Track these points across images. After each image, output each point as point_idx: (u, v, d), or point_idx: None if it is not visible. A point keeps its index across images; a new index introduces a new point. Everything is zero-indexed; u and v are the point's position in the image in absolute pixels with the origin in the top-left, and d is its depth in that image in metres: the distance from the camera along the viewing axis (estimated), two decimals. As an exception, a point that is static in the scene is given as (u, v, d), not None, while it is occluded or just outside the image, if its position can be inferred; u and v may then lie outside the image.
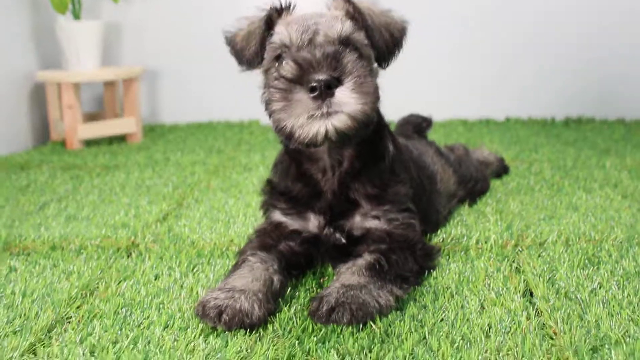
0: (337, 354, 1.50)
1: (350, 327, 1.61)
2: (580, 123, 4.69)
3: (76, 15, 4.31)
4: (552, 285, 1.83)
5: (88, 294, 1.90)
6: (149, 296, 1.86)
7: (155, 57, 4.98)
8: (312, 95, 1.64)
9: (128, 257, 2.20)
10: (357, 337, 1.57)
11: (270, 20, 1.91)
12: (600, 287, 1.82)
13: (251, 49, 1.91)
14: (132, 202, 2.84)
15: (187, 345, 1.56)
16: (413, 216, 2.02)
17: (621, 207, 2.59)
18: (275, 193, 2.05)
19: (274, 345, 1.55)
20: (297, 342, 1.57)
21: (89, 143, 4.32)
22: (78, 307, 1.81)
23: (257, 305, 1.67)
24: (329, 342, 1.56)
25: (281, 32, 1.84)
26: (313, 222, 1.98)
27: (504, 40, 4.79)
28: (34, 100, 4.47)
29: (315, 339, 1.57)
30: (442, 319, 1.67)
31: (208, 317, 1.63)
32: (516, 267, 2.01)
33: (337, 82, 1.65)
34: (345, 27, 1.83)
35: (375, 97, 1.76)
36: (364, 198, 1.96)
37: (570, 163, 3.38)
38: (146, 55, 4.96)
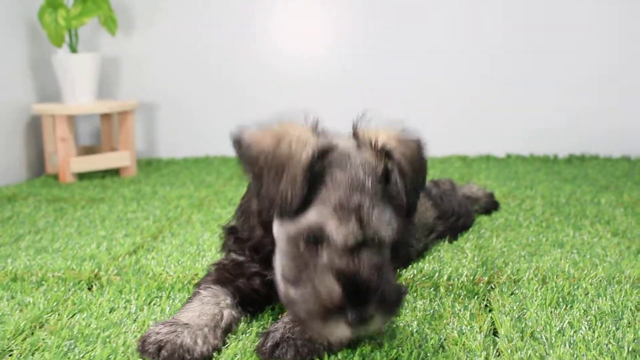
0: (275, 393, 1.42)
1: (295, 365, 1.52)
2: (584, 160, 4.59)
3: (73, 49, 4.33)
4: (519, 325, 1.74)
5: (37, 327, 1.83)
6: (99, 329, 1.79)
7: (153, 91, 4.98)
8: (349, 327, 1.45)
9: (89, 289, 2.14)
10: (300, 375, 1.49)
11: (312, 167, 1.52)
12: (570, 327, 1.71)
13: (286, 191, 1.50)
14: (108, 234, 2.79)
15: (122, 381, 1.49)
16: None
17: (609, 245, 2.49)
18: (236, 241, 1.92)
19: (212, 383, 1.47)
20: (237, 379, 1.49)
21: (83, 176, 4.30)
22: (23, 340, 1.74)
23: (200, 341, 1.60)
24: (269, 380, 1.48)
25: (322, 218, 1.50)
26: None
27: (506, 77, 4.73)
28: (30, 133, 4.48)
29: (256, 376, 1.49)
30: (395, 359, 1.58)
31: (147, 352, 1.56)
32: (485, 305, 1.92)
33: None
34: (392, 226, 1.56)
35: None
36: None
37: (563, 199, 3.28)
38: (144, 89, 4.97)
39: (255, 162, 1.54)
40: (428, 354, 1.59)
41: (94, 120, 5.02)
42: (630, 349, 1.58)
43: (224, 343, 1.68)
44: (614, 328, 1.70)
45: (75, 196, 3.64)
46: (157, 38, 4.91)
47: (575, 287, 2.00)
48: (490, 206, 3.05)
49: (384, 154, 1.61)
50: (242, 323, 1.80)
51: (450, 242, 2.53)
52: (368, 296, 1.45)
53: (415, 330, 1.74)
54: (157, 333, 1.59)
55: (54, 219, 3.11)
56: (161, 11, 4.87)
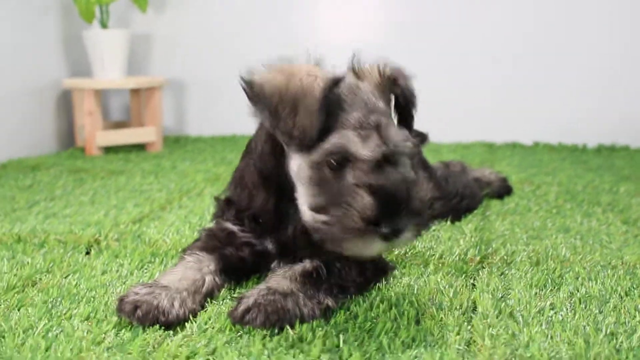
0: (239, 356, 1.44)
1: (265, 331, 1.54)
2: (613, 150, 4.47)
3: (103, 25, 4.41)
4: (500, 304, 1.71)
5: (30, 285, 1.89)
6: (86, 290, 1.84)
7: (184, 69, 5.04)
8: (382, 239, 1.48)
9: (87, 253, 2.19)
10: (267, 341, 1.50)
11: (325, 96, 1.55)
12: (550, 308, 1.69)
13: (306, 124, 1.53)
14: (119, 204, 2.85)
15: (96, 336, 1.53)
16: None
17: (616, 232, 2.43)
18: (230, 210, 1.94)
19: (180, 344, 1.49)
20: (206, 341, 1.51)
21: (109, 150, 4.39)
22: (13, 296, 1.80)
23: (177, 304, 1.63)
24: (236, 343, 1.50)
25: (346, 139, 1.54)
26: (269, 247, 1.89)
27: (536, 62, 4.63)
28: (62, 107, 4.58)
29: (224, 339, 1.51)
30: (368, 330, 1.58)
31: (123, 311, 1.60)
32: (472, 284, 1.89)
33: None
34: (407, 136, 1.61)
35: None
36: None
37: (580, 187, 3.21)
38: (175, 66, 5.03)
39: (270, 100, 1.57)
40: (401, 327, 1.58)
41: (125, 96, 5.11)
42: (607, 331, 1.55)
43: (203, 307, 1.71)
44: (597, 311, 1.67)
45: (96, 168, 3.72)
46: (189, 16, 4.96)
47: (567, 270, 1.97)
48: (503, 191, 3.01)
49: (391, 80, 1.71)
50: (225, 290, 1.82)
51: (452, 222, 2.51)
52: (400, 208, 1.49)
53: (394, 304, 1.73)
54: (136, 294, 1.63)
55: (71, 188, 3.19)
56: (193, -10, 4.92)
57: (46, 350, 1.46)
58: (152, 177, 3.48)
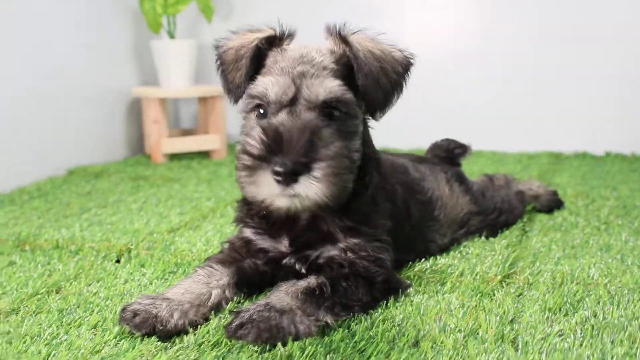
0: (223, 371, 1.45)
1: (257, 347, 1.55)
2: (693, 163, 4.20)
3: (171, 35, 4.56)
4: (506, 327, 1.65)
5: (54, 291, 1.98)
6: (103, 298, 1.90)
7: (250, 78, 5.11)
8: (275, 178, 1.54)
9: (117, 261, 2.27)
10: (258, 357, 1.51)
11: (258, 51, 1.78)
12: (559, 335, 1.61)
13: (235, 81, 1.79)
14: (164, 212, 2.93)
15: (96, 345, 1.58)
16: (384, 248, 1.90)
17: (663, 253, 2.29)
18: (250, 212, 1.99)
19: (172, 356, 1.52)
20: (197, 355, 1.53)
21: (174, 157, 4.52)
22: (35, 302, 1.88)
23: (177, 315, 1.66)
24: (225, 359, 1.51)
25: (263, 83, 1.70)
26: (284, 244, 1.92)
27: (608, 68, 4.42)
28: (132, 115, 4.76)
29: (215, 353, 1.53)
30: (360, 351, 1.56)
31: (124, 319, 1.65)
32: (485, 305, 1.83)
33: (303, 168, 1.54)
34: (332, 87, 1.68)
35: (348, 176, 1.66)
36: (339, 231, 1.85)
37: (639, 202, 3.03)
38: (241, 75, 5.11)
39: (223, 61, 1.82)
40: (395, 348, 1.55)
41: (194, 105, 5.25)
42: (611, 363, 1.46)
43: (207, 320, 1.73)
44: (608, 340, 1.57)
45: (155, 175, 3.85)
46: (255, 25, 5.02)
47: (590, 293, 1.87)
48: (553, 204, 2.89)
49: (342, 40, 1.76)
50: (234, 303, 1.84)
51: (487, 238, 2.43)
52: (289, 146, 1.54)
53: (397, 324, 1.70)
54: (139, 303, 1.67)
55: (126, 195, 3.31)
56: (260, -1, 5.00)
57: (45, 358, 1.52)
58: (205, 185, 3.56)
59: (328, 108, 1.68)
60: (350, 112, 1.73)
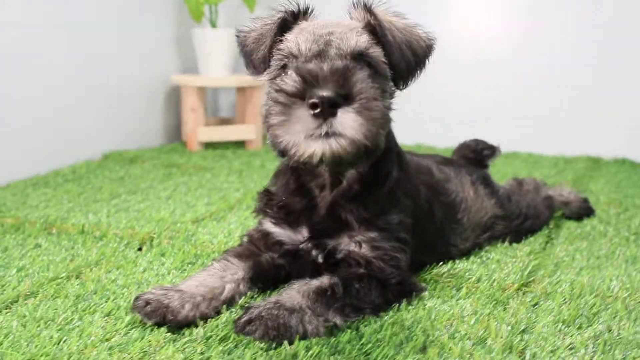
0: (227, 367, 1.46)
1: (264, 344, 1.56)
2: None
3: (212, 24, 4.59)
4: (516, 338, 1.62)
5: (74, 276, 2.02)
6: (120, 286, 1.93)
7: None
8: (313, 112, 1.51)
9: (139, 249, 2.30)
10: (263, 354, 1.52)
11: (284, 25, 1.81)
12: (569, 349, 1.58)
13: (260, 53, 1.81)
14: (191, 201, 2.97)
15: (106, 333, 1.61)
16: (402, 248, 1.89)
17: (692, 268, 2.22)
18: (270, 202, 2.01)
19: (179, 348, 1.54)
20: (204, 348, 1.55)
21: (210, 145, 4.56)
22: (54, 287, 1.92)
23: (188, 306, 1.68)
24: (229, 354, 1.53)
25: (291, 40, 1.74)
26: (303, 234, 1.93)
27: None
28: (170, 102, 4.82)
29: (222, 348, 1.55)
30: (366, 353, 1.55)
31: (136, 307, 1.68)
32: (498, 313, 1.80)
33: (342, 100, 1.52)
34: (360, 40, 1.71)
35: (383, 123, 1.63)
36: (356, 221, 1.86)
37: (674, 213, 2.95)
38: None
39: (246, 44, 1.87)
40: (401, 353, 1.55)
41: (233, 94, 5.28)
42: (620, 381, 1.43)
43: (219, 313, 1.75)
44: (620, 357, 1.54)
45: (189, 163, 3.89)
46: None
47: (607, 307, 1.83)
48: (583, 212, 2.83)
49: (367, 11, 1.80)
50: (247, 297, 1.85)
51: (510, 243, 2.40)
52: (327, 80, 1.54)
53: (407, 327, 1.69)
54: (152, 293, 1.70)
55: (157, 183, 3.36)
56: (301, -9, 4.98)
57: (56, 344, 1.56)
58: (236, 175, 3.59)
59: (358, 60, 1.69)
60: (380, 70, 1.74)
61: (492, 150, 2.66)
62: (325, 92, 1.50)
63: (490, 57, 4.64)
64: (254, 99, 4.63)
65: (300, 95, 1.54)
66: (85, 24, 3.92)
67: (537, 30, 4.52)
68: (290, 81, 1.57)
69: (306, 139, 1.55)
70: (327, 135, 1.53)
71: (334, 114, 1.52)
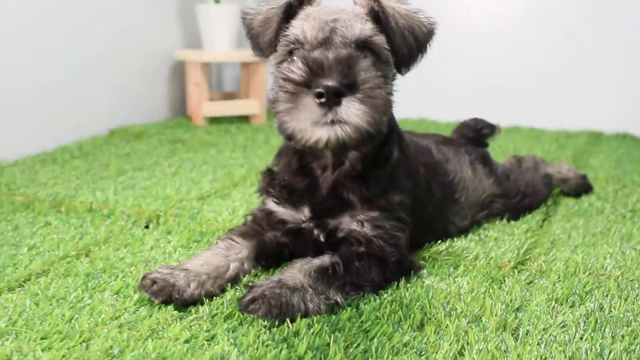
0: (229, 344, 1.52)
1: (267, 322, 1.62)
2: None
3: (216, 0, 4.60)
4: (510, 316, 1.68)
5: (83, 255, 2.08)
6: (128, 264, 1.99)
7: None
8: (319, 101, 1.60)
9: (146, 227, 2.36)
10: (266, 331, 1.58)
11: (290, 9, 1.85)
12: (561, 327, 1.64)
13: (266, 37, 1.86)
14: (196, 178, 3.02)
15: (116, 311, 1.68)
16: (401, 227, 1.95)
17: (687, 245, 2.27)
18: (273, 182, 2.06)
19: (186, 326, 1.61)
20: (209, 326, 1.61)
21: (214, 120, 4.60)
22: (64, 265, 1.99)
23: (193, 285, 1.75)
24: (234, 332, 1.59)
25: (297, 27, 1.78)
26: (305, 214, 1.98)
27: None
28: (175, 77, 4.85)
29: (227, 326, 1.61)
30: (365, 331, 1.62)
31: (143, 286, 1.74)
32: (494, 291, 1.86)
33: (346, 89, 1.61)
34: (364, 28, 1.76)
35: (386, 110, 1.70)
36: (358, 201, 1.92)
37: (672, 190, 2.99)
38: (283, 41, 5.13)
39: (252, 26, 1.91)
40: (399, 330, 1.61)
41: (237, 69, 5.30)
42: (609, 358, 1.49)
43: (224, 291, 1.81)
44: (610, 335, 1.60)
45: (194, 139, 3.94)
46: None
47: (600, 285, 1.88)
48: (581, 189, 2.88)
49: (376, 3, 1.82)
50: (251, 275, 1.92)
51: (508, 221, 2.45)
52: (332, 70, 1.60)
53: (405, 305, 1.75)
54: (158, 272, 1.76)
55: (162, 159, 3.41)
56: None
57: (68, 322, 1.62)
58: (240, 151, 3.64)
59: (362, 48, 1.74)
60: (382, 57, 1.79)
61: (492, 129, 2.70)
62: (330, 82, 1.58)
63: (494, 31, 4.64)
64: (258, 74, 4.66)
65: (306, 84, 1.61)
66: (89, 0, 3.94)
67: (540, 4, 4.52)
68: (297, 70, 1.63)
69: (312, 126, 1.63)
70: (333, 122, 1.61)
71: (338, 103, 1.60)
